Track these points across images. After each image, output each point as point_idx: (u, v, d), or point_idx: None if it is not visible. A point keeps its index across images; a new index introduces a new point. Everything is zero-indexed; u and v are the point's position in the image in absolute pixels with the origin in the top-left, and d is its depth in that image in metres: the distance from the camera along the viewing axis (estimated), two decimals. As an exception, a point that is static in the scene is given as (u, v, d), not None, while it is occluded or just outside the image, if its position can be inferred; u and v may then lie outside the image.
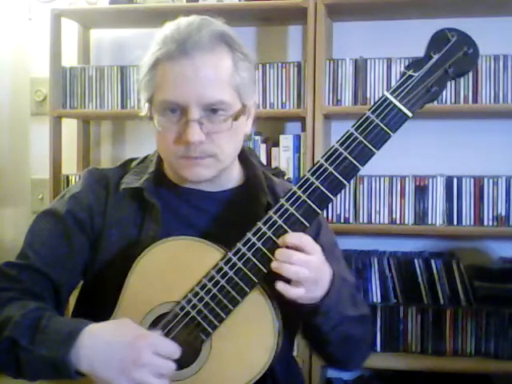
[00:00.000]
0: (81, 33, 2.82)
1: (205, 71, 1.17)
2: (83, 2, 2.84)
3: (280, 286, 1.11)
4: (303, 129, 2.50)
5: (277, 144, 2.55)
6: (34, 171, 2.94)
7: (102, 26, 2.85)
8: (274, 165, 2.50)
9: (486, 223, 2.41)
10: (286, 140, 2.54)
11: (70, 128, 2.81)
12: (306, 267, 1.11)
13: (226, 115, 1.20)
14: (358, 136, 1.14)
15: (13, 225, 2.96)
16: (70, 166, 2.78)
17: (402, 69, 1.17)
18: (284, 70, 2.52)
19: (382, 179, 2.46)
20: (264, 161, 2.48)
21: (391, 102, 1.14)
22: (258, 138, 2.55)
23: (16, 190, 2.97)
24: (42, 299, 1.20)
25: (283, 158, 2.52)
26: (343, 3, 2.44)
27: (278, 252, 1.11)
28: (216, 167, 1.23)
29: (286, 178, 1.54)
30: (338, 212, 2.48)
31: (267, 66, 2.53)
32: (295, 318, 1.30)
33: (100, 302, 1.23)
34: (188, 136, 1.17)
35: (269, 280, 1.14)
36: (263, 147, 2.54)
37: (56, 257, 1.24)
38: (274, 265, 1.11)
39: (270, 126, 2.69)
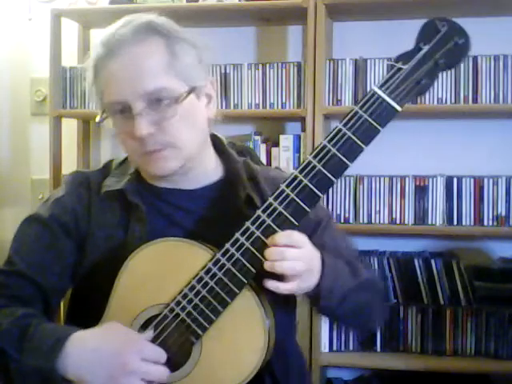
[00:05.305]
0: (81, 33, 2.82)
1: (136, 63, 1.17)
2: (83, 2, 2.84)
3: (271, 284, 1.11)
4: (303, 129, 2.50)
5: (277, 144, 2.55)
6: (33, 171, 2.94)
7: (102, 26, 2.82)
8: (273, 165, 2.50)
9: (486, 223, 2.40)
10: (286, 140, 2.54)
11: (70, 128, 2.80)
12: (300, 260, 1.11)
13: (170, 102, 1.18)
14: (347, 132, 1.11)
15: (13, 225, 2.90)
16: (70, 166, 2.77)
17: (391, 61, 1.14)
18: (284, 70, 2.52)
19: (382, 179, 2.45)
20: (264, 161, 2.48)
21: (380, 97, 1.11)
22: (257, 138, 2.56)
23: (16, 190, 2.96)
24: (30, 305, 1.19)
25: (283, 157, 2.52)
26: (343, 3, 2.44)
27: (268, 252, 1.10)
28: (178, 157, 1.21)
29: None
30: (338, 212, 2.48)
31: (267, 65, 2.53)
32: (291, 312, 1.32)
33: (90, 305, 1.22)
34: (135, 131, 1.16)
35: (259, 279, 1.13)
36: (263, 147, 2.54)
37: (42, 262, 1.23)
38: (267, 265, 1.10)
39: (270, 126, 2.69)
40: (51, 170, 2.66)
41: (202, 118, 1.24)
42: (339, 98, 2.47)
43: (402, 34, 2.60)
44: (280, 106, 2.52)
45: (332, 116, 2.54)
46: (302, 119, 2.47)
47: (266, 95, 2.52)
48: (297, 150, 2.51)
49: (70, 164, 2.77)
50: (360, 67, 2.46)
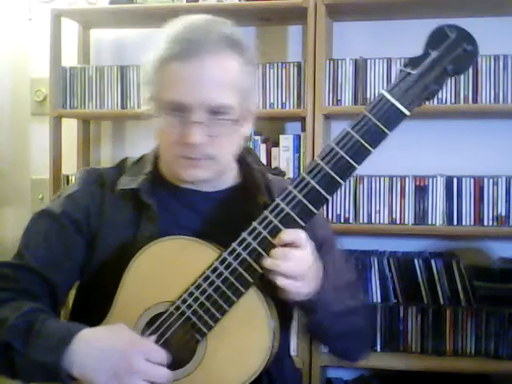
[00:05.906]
0: (81, 33, 2.82)
1: (212, 74, 1.17)
2: (83, 2, 2.84)
3: (270, 262, 1.11)
4: (303, 129, 2.50)
5: (277, 144, 2.55)
6: (33, 171, 2.94)
7: (102, 26, 2.85)
8: (274, 165, 2.50)
9: (486, 223, 2.40)
10: (286, 140, 2.54)
11: (70, 128, 2.81)
12: (301, 262, 1.11)
13: (229, 119, 1.20)
14: (355, 135, 1.12)
15: (13, 225, 2.95)
16: (70, 166, 2.78)
17: (400, 66, 1.15)
18: (284, 70, 2.52)
19: (381, 179, 2.46)
20: (264, 161, 2.48)
21: (388, 101, 1.12)
22: (257, 138, 2.55)
23: (16, 190, 2.97)
24: (38, 299, 1.20)
25: (283, 157, 2.52)
26: (343, 3, 2.44)
27: (273, 252, 1.11)
28: (213, 169, 1.23)
29: (286, 177, 1.53)
30: (338, 212, 2.48)
31: (267, 65, 2.53)
32: (289, 316, 1.32)
33: (97, 302, 1.23)
34: (189, 137, 1.17)
35: (265, 279, 1.14)
36: (263, 147, 2.54)
37: (52, 257, 1.24)
38: (267, 262, 1.11)
39: (270, 126, 2.69)
40: (51, 169, 2.66)
41: (242, 136, 1.28)
42: (339, 97, 2.47)
43: (402, 34, 2.62)
44: (280, 106, 2.52)
45: (332, 116, 2.54)
46: (302, 119, 2.48)
47: (265, 95, 2.52)
48: (297, 150, 2.51)
49: (69, 164, 2.78)
50: (360, 67, 2.46)
